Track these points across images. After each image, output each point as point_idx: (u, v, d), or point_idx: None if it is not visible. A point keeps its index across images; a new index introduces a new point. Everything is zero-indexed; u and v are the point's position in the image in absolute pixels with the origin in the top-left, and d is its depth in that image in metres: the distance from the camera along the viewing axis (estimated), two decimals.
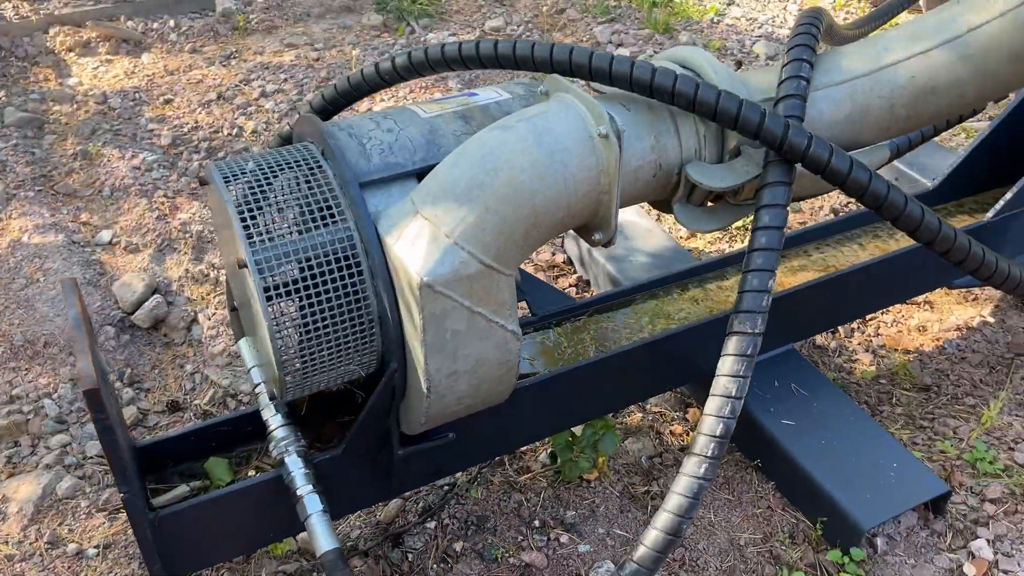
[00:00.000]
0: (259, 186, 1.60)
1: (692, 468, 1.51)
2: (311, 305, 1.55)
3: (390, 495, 2.20)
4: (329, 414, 1.98)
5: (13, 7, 4.76)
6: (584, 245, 3.11)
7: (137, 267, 3.06)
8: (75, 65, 4.40)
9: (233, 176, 1.62)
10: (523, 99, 1.79)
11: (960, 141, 3.94)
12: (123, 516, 2.27)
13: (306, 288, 1.55)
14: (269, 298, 1.54)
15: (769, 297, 1.52)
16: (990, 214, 2.71)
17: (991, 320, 2.96)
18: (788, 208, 1.55)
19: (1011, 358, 2.80)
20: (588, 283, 3.11)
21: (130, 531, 2.24)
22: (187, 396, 2.66)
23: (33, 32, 4.56)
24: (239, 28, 4.79)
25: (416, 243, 1.49)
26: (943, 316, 2.99)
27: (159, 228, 3.22)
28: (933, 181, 2.97)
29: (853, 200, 3.54)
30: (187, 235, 3.19)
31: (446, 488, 2.36)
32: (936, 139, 3.48)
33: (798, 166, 1.55)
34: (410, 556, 2.19)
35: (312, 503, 1.72)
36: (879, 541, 2.19)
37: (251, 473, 1.96)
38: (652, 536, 1.53)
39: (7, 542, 2.19)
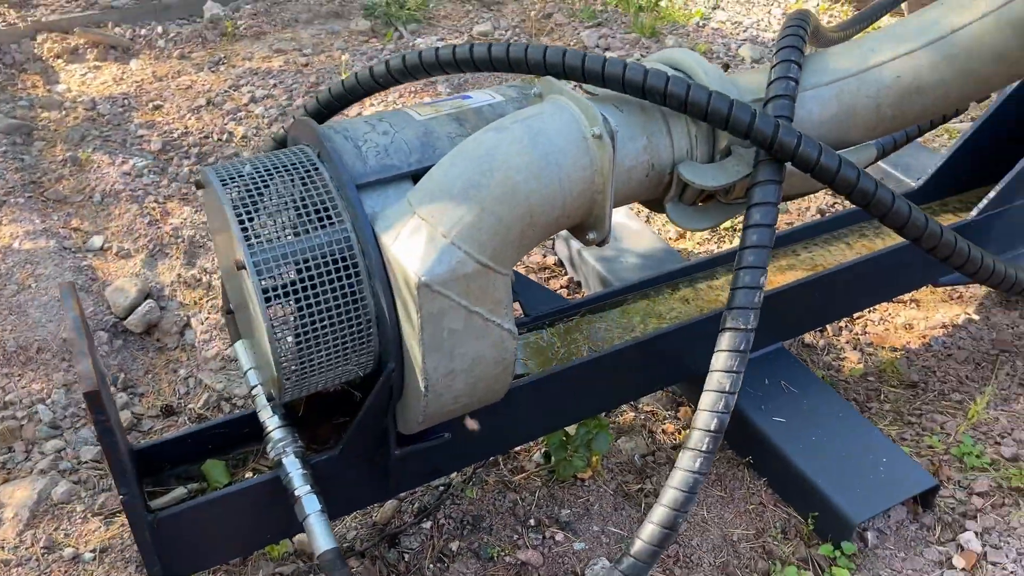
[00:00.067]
0: (256, 188, 1.62)
1: (687, 462, 1.54)
2: (309, 306, 1.57)
3: (387, 495, 2.22)
4: (325, 416, 1.99)
5: (0, 14, 4.75)
6: (574, 246, 3.13)
7: (129, 272, 3.06)
8: (63, 72, 4.40)
9: (230, 179, 1.64)
10: (516, 102, 1.82)
11: (943, 142, 4.00)
12: (119, 520, 2.27)
13: (304, 289, 1.56)
14: (268, 299, 1.55)
15: (761, 293, 1.55)
16: (974, 213, 2.75)
17: (976, 317, 3.00)
18: (778, 206, 1.58)
19: (996, 354, 2.85)
20: (579, 284, 3.14)
21: (126, 535, 2.24)
22: (181, 400, 2.67)
23: (20, 39, 4.56)
24: (227, 34, 4.80)
25: (414, 243, 1.51)
26: (929, 314, 3.03)
27: (151, 233, 3.22)
28: (918, 181, 3.02)
29: (839, 200, 3.60)
30: (179, 240, 3.19)
31: (441, 488, 2.38)
32: (920, 140, 3.53)
33: (788, 165, 1.58)
34: (406, 556, 2.21)
35: (310, 503, 1.73)
36: (870, 535, 2.22)
37: (248, 475, 1.97)
38: (648, 530, 1.55)
39: (3, 547, 2.19)
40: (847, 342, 2.92)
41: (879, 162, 3.18)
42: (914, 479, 2.25)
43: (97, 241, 3.19)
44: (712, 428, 1.52)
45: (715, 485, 2.39)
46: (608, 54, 4.74)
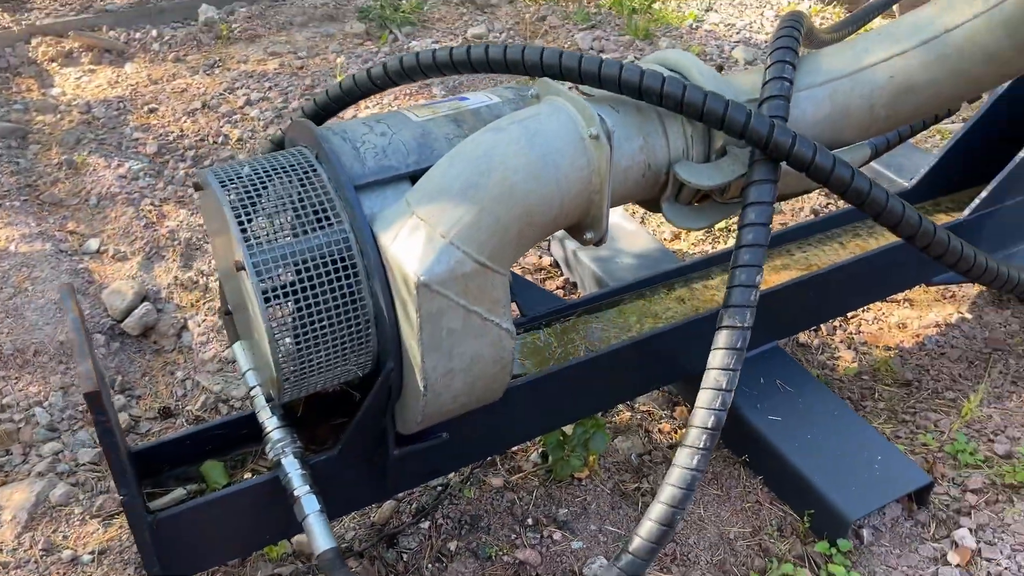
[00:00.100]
0: (255, 190, 1.63)
1: (685, 460, 1.55)
2: (308, 306, 1.58)
3: (385, 495, 2.23)
4: (323, 417, 2.00)
5: None
6: (570, 248, 3.15)
7: (125, 275, 3.07)
8: (58, 75, 4.40)
9: (229, 180, 1.64)
10: (512, 103, 1.83)
11: (936, 142, 4.03)
12: (117, 522, 2.28)
13: (303, 290, 1.57)
14: (267, 300, 1.56)
15: (757, 292, 1.57)
16: (966, 212, 2.78)
17: (969, 316, 3.03)
18: (774, 205, 1.59)
19: (989, 353, 2.87)
20: (575, 285, 3.15)
21: (125, 536, 2.24)
22: (178, 402, 2.67)
23: (15, 43, 4.56)
24: (222, 37, 4.80)
25: (412, 243, 1.52)
26: (922, 313, 3.05)
27: (147, 236, 3.22)
28: (910, 181, 3.04)
29: (833, 201, 3.63)
30: (175, 242, 3.20)
31: (439, 488, 2.39)
32: (912, 140, 3.55)
33: (783, 164, 1.60)
34: (405, 556, 2.22)
35: (309, 503, 1.74)
36: (865, 532, 2.24)
37: (247, 476, 1.98)
38: (647, 527, 1.56)
39: (2, 550, 2.19)
40: (841, 341, 2.94)
41: (872, 162, 3.20)
42: (909, 476, 2.27)
43: (93, 244, 3.19)
44: (709, 425, 1.54)
45: (712, 484, 2.41)
46: (602, 56, 4.76)
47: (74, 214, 3.37)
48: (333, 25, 5.06)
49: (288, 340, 1.62)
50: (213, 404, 2.65)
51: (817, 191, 3.59)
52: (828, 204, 3.61)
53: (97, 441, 2.52)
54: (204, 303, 2.97)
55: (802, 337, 2.94)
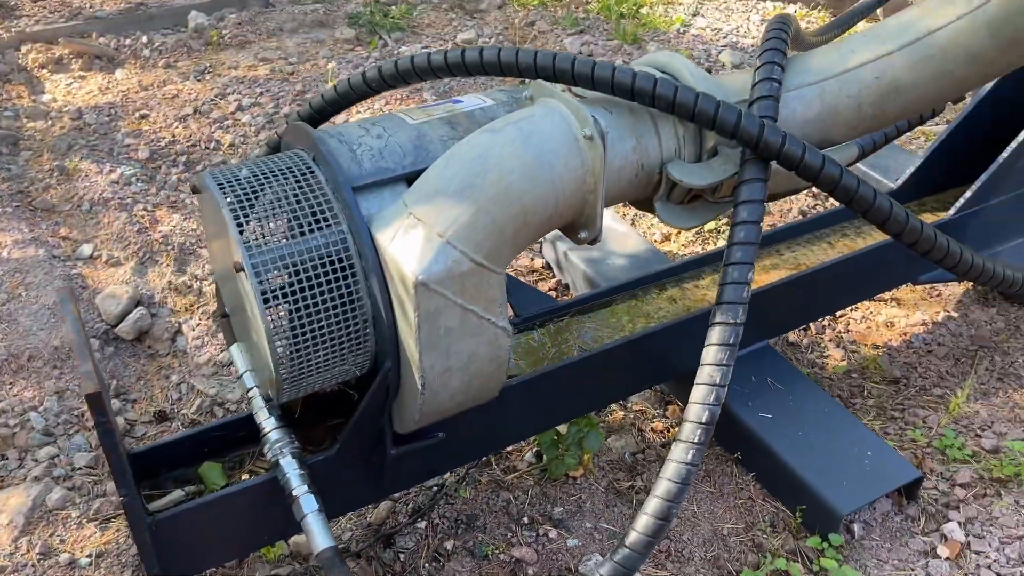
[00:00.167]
0: (253, 192, 1.64)
1: (680, 454, 1.57)
2: (307, 307, 1.60)
3: (383, 495, 2.24)
4: (320, 418, 2.01)
5: None
6: (561, 249, 3.17)
7: (119, 280, 3.07)
8: (48, 82, 4.40)
9: (227, 183, 1.66)
10: (506, 105, 1.86)
11: (920, 144, 4.08)
12: (115, 525, 2.28)
13: (302, 290, 1.59)
14: (266, 301, 1.58)
15: (749, 289, 1.59)
16: (951, 212, 2.82)
17: (955, 315, 3.07)
18: (765, 204, 1.62)
19: (975, 350, 2.91)
20: (567, 287, 3.18)
21: (122, 539, 2.25)
22: (174, 406, 2.68)
23: (4, 50, 4.55)
24: (212, 43, 4.82)
25: (410, 243, 1.54)
26: (909, 312, 3.10)
27: (140, 241, 3.23)
28: (896, 182, 3.08)
29: (821, 202, 3.67)
30: (169, 247, 3.21)
31: (435, 489, 2.40)
32: (897, 142, 3.60)
33: (773, 163, 1.63)
34: (402, 556, 2.23)
35: (308, 503, 1.75)
36: (856, 527, 2.27)
37: (245, 477, 1.99)
38: (643, 521, 1.58)
39: None
40: (831, 340, 2.98)
41: (858, 164, 3.25)
42: (898, 471, 2.30)
43: (86, 249, 3.19)
44: (704, 420, 1.56)
45: (705, 481, 2.43)
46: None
47: (67, 220, 3.37)
48: (323, 31, 5.08)
49: (287, 340, 1.64)
50: (209, 407, 2.66)
51: (805, 192, 3.64)
52: (816, 205, 3.65)
53: (93, 445, 2.53)
54: (198, 307, 2.98)
55: (792, 336, 2.98)
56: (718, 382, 1.56)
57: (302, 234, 1.64)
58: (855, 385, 2.79)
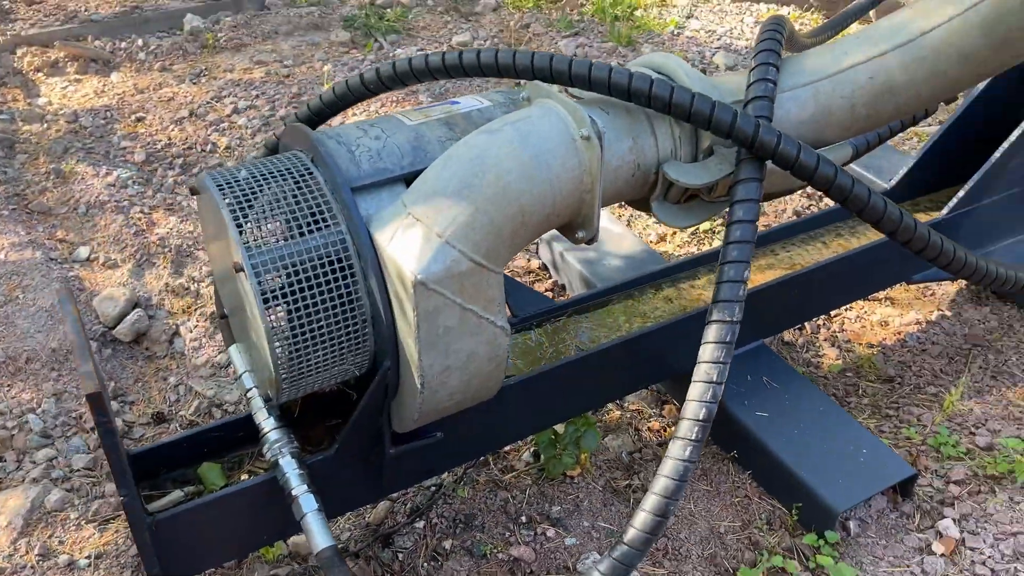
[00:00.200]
0: (252, 193, 1.65)
1: (677, 451, 1.58)
2: (307, 307, 1.60)
3: (381, 495, 2.25)
4: (318, 418, 2.02)
5: None
6: (557, 250, 3.19)
7: (116, 282, 3.08)
8: (43, 85, 4.40)
9: (227, 184, 1.67)
10: (503, 106, 1.87)
11: (913, 145, 4.11)
12: (113, 526, 2.29)
13: (302, 291, 1.60)
14: (266, 301, 1.59)
15: (745, 287, 1.61)
16: (944, 211, 2.85)
17: (948, 314, 3.09)
18: (760, 203, 1.64)
19: (968, 349, 2.93)
20: (563, 288, 3.19)
21: (121, 541, 2.25)
22: (172, 408, 2.69)
23: (0, 53, 4.55)
24: (208, 46, 4.82)
25: (409, 243, 1.56)
26: (903, 311, 3.12)
27: (137, 243, 3.24)
28: (889, 182, 3.11)
29: (815, 203, 3.69)
30: (166, 249, 3.21)
31: (433, 489, 2.41)
32: (891, 143, 3.63)
33: (769, 163, 1.64)
34: (400, 556, 2.24)
35: (307, 502, 1.76)
36: (852, 524, 2.28)
37: (244, 477, 2.00)
38: (642, 518, 1.58)
39: None
40: (825, 339, 3.00)
41: (852, 164, 3.27)
42: (893, 469, 2.32)
43: (83, 252, 3.20)
44: (701, 417, 1.57)
45: (701, 480, 2.45)
46: None
47: (63, 222, 3.38)
48: (318, 34, 5.09)
49: (286, 340, 1.65)
50: (207, 409, 2.66)
51: (800, 192, 3.66)
52: (810, 206, 3.67)
53: (91, 447, 2.53)
54: (196, 309, 2.99)
55: (787, 336, 2.99)
56: (715, 379, 1.57)
57: (301, 234, 1.65)
58: (850, 384, 2.81)
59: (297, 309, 1.61)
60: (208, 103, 4.20)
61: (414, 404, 1.72)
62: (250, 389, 1.90)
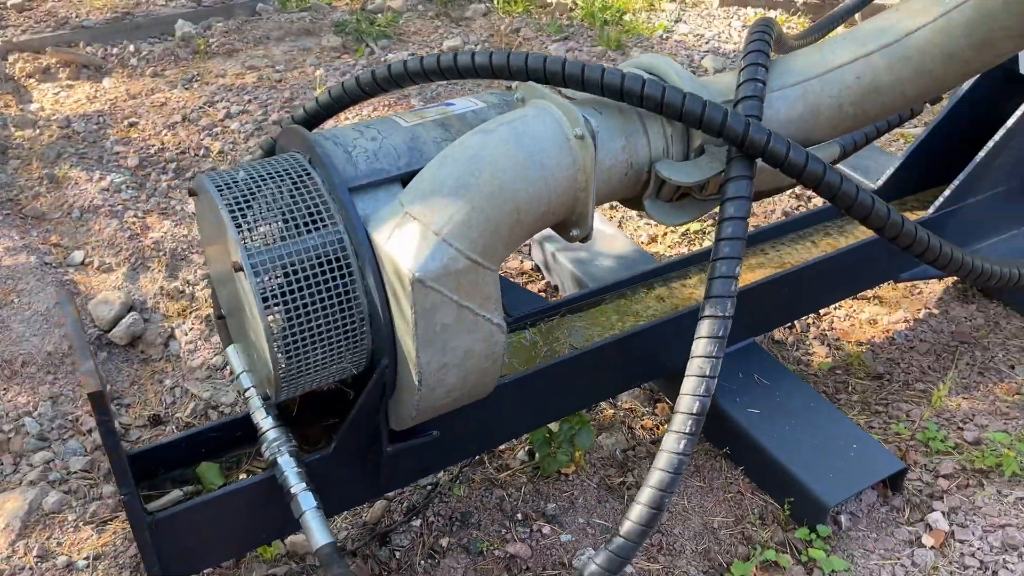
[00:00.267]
0: (251, 193, 1.67)
1: (671, 444, 1.60)
2: (305, 306, 1.62)
3: (379, 493, 2.26)
4: (315, 418, 2.04)
5: None
6: (549, 250, 3.22)
7: (111, 286, 3.09)
8: (35, 91, 4.41)
9: (225, 185, 1.69)
10: (497, 107, 1.90)
11: (900, 146, 4.16)
12: (111, 527, 2.30)
13: (300, 290, 1.62)
14: (265, 300, 1.61)
15: (737, 283, 1.63)
16: (930, 211, 2.89)
17: (936, 312, 3.14)
18: (751, 201, 1.67)
19: (955, 346, 2.98)
20: (556, 288, 3.22)
21: (119, 542, 2.27)
22: (168, 410, 2.70)
23: None
24: (200, 52, 4.84)
25: (407, 241, 1.58)
26: (892, 310, 3.16)
27: (131, 247, 3.25)
28: (877, 182, 3.15)
29: (804, 203, 3.73)
30: (160, 253, 3.23)
31: (429, 488, 2.43)
32: (878, 143, 3.68)
33: (759, 161, 1.68)
34: (397, 554, 2.26)
35: (306, 500, 1.78)
36: (843, 518, 2.32)
37: (242, 476, 2.01)
38: (637, 511, 1.60)
39: None
40: (815, 338, 3.04)
41: (839, 164, 3.31)
42: (883, 463, 2.35)
43: (78, 256, 3.21)
44: (695, 411, 1.59)
45: (695, 476, 2.48)
46: None
47: (57, 227, 3.38)
48: (310, 39, 5.12)
49: (286, 339, 1.67)
50: (203, 411, 2.68)
51: (789, 193, 3.70)
52: (799, 206, 3.71)
53: (87, 449, 2.54)
54: (191, 312, 3.00)
55: (777, 334, 3.03)
56: (708, 373, 1.60)
57: (299, 234, 1.67)
58: (840, 381, 2.84)
59: (296, 308, 1.62)
60: (201, 108, 4.22)
61: (412, 401, 1.74)
62: (248, 389, 1.92)
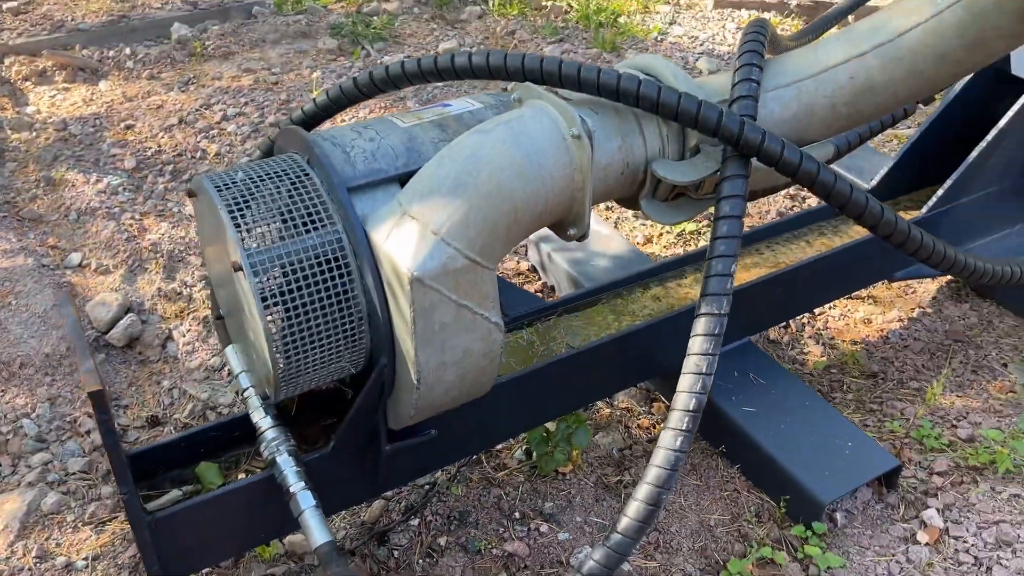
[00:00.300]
0: (250, 193, 1.69)
1: (668, 441, 1.61)
2: (304, 305, 1.63)
3: (377, 493, 2.27)
4: (314, 418, 2.05)
5: None
6: (545, 251, 3.23)
7: (109, 288, 3.09)
8: (32, 94, 4.41)
9: (224, 186, 1.70)
10: (494, 108, 1.91)
11: (893, 147, 4.19)
12: (110, 528, 2.31)
13: (299, 289, 1.63)
14: (264, 299, 1.62)
15: (732, 280, 1.65)
16: (924, 210, 2.91)
17: (929, 311, 3.16)
18: (746, 199, 1.69)
19: (949, 344, 3.00)
20: (552, 289, 3.24)
21: (118, 542, 2.27)
22: (166, 411, 2.70)
23: None
24: (196, 54, 4.85)
25: (405, 240, 1.59)
26: (886, 309, 3.18)
27: (129, 249, 3.25)
28: (871, 182, 3.17)
29: (798, 203, 3.75)
30: (158, 255, 3.23)
31: (427, 487, 2.44)
32: (871, 144, 3.70)
33: (754, 160, 1.69)
34: (396, 553, 2.27)
35: (305, 499, 1.79)
36: (838, 515, 2.33)
37: (240, 476, 2.02)
38: (634, 507, 1.61)
39: None
40: (810, 337, 3.05)
41: (833, 165, 3.33)
42: (878, 461, 2.37)
43: (75, 258, 3.21)
44: (691, 408, 1.60)
45: (691, 474, 2.49)
46: None
47: (54, 229, 3.39)
48: (306, 42, 5.13)
49: (285, 338, 1.68)
50: (201, 412, 2.68)
51: (783, 194, 3.72)
52: (793, 207, 3.73)
53: (85, 450, 2.54)
54: (188, 313, 3.01)
55: (773, 334, 3.05)
56: (704, 370, 1.61)
57: (298, 234, 1.68)
58: (835, 380, 2.86)
59: (295, 307, 1.63)
60: (197, 110, 4.22)
61: (410, 400, 1.75)
62: (247, 388, 1.93)
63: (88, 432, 2.59)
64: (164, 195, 3.61)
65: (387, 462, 1.98)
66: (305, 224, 1.67)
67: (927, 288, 3.26)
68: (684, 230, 3.57)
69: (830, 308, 3.18)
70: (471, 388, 1.83)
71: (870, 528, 2.32)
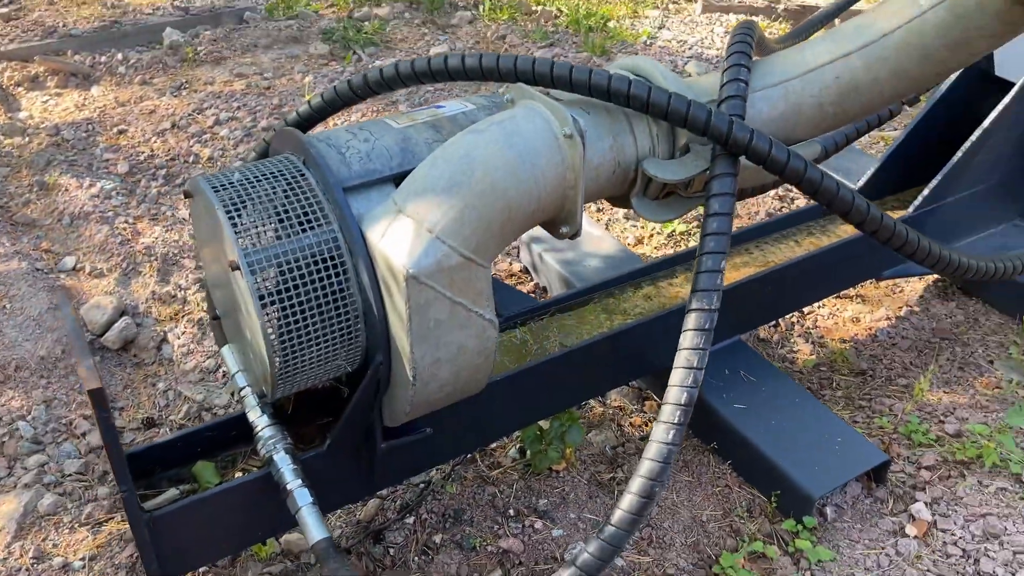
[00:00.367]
0: (247, 194, 1.71)
1: (661, 435, 1.63)
2: (301, 304, 1.65)
3: (373, 490, 2.29)
4: (310, 417, 2.07)
5: None
6: (536, 252, 3.26)
7: (103, 291, 3.10)
8: (24, 99, 4.42)
9: (221, 186, 1.72)
10: (487, 109, 1.94)
11: (879, 148, 4.24)
12: (107, 528, 2.32)
13: (296, 288, 1.65)
14: (262, 297, 1.64)
15: (722, 276, 1.68)
16: (910, 210, 2.95)
17: (917, 309, 3.20)
18: (735, 197, 1.72)
19: (936, 342, 3.04)
20: (544, 290, 3.26)
21: (114, 543, 2.28)
22: (161, 412, 2.72)
23: None
24: (187, 60, 4.86)
25: (401, 239, 1.61)
26: (874, 308, 3.22)
27: (123, 252, 3.27)
28: (857, 183, 3.22)
29: (786, 205, 3.79)
30: (152, 258, 3.25)
31: (422, 485, 2.46)
32: (858, 145, 3.75)
33: (742, 158, 1.72)
34: (391, 551, 2.29)
35: (302, 496, 1.80)
36: (828, 510, 2.36)
37: (237, 475, 2.04)
38: (628, 500, 1.63)
39: None
40: (800, 335, 3.09)
41: (821, 166, 3.37)
42: (867, 455, 2.40)
43: (69, 262, 3.22)
44: (683, 402, 1.62)
45: (683, 471, 2.52)
46: None
47: (48, 234, 3.40)
48: (298, 47, 5.15)
49: (281, 336, 1.70)
50: (196, 413, 2.70)
51: (772, 194, 3.76)
52: (782, 207, 3.77)
53: (82, 452, 2.55)
54: (183, 316, 3.02)
55: (762, 333, 3.08)
56: (695, 365, 1.63)
57: (295, 233, 1.70)
58: (824, 377, 2.90)
59: (291, 305, 1.65)
60: (190, 115, 4.24)
61: (406, 396, 1.77)
62: (243, 388, 1.95)
63: (84, 434, 2.60)
64: (157, 199, 3.63)
65: (383, 460, 2.00)
66: (301, 223, 1.70)
67: (914, 287, 3.30)
68: (674, 231, 3.61)
69: (819, 307, 3.21)
70: (466, 385, 1.85)
71: (860, 522, 2.35)
